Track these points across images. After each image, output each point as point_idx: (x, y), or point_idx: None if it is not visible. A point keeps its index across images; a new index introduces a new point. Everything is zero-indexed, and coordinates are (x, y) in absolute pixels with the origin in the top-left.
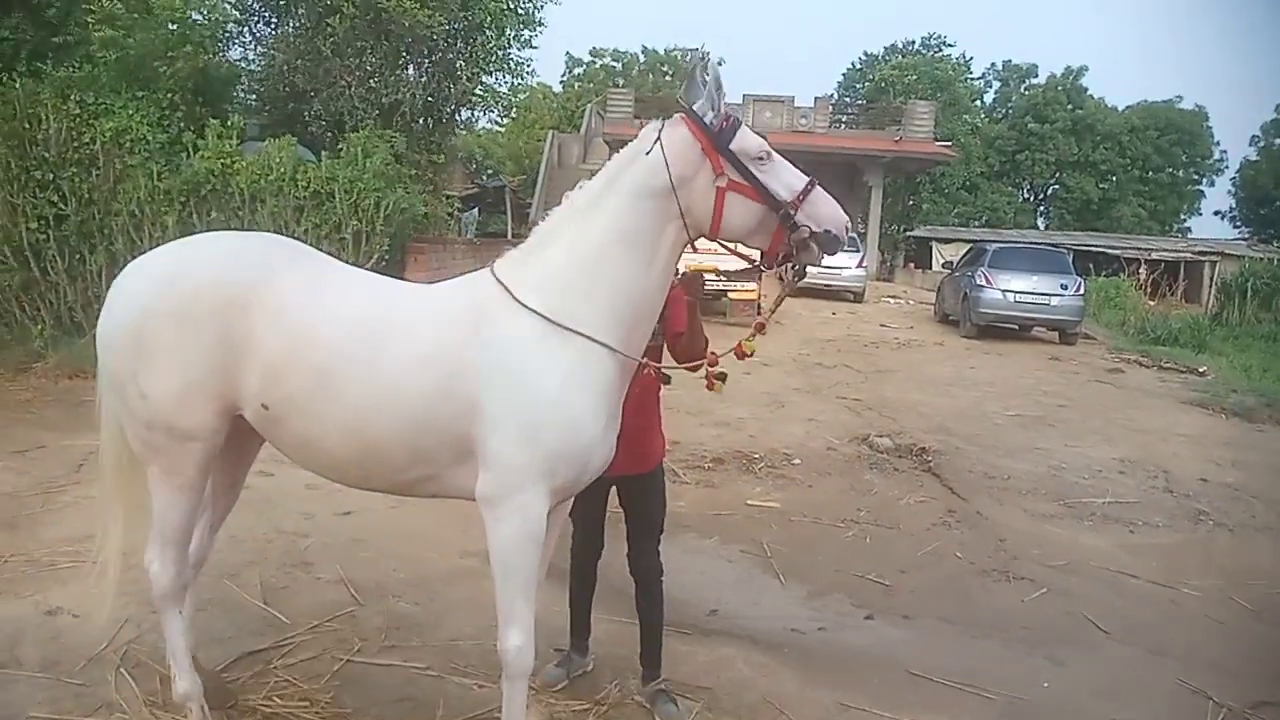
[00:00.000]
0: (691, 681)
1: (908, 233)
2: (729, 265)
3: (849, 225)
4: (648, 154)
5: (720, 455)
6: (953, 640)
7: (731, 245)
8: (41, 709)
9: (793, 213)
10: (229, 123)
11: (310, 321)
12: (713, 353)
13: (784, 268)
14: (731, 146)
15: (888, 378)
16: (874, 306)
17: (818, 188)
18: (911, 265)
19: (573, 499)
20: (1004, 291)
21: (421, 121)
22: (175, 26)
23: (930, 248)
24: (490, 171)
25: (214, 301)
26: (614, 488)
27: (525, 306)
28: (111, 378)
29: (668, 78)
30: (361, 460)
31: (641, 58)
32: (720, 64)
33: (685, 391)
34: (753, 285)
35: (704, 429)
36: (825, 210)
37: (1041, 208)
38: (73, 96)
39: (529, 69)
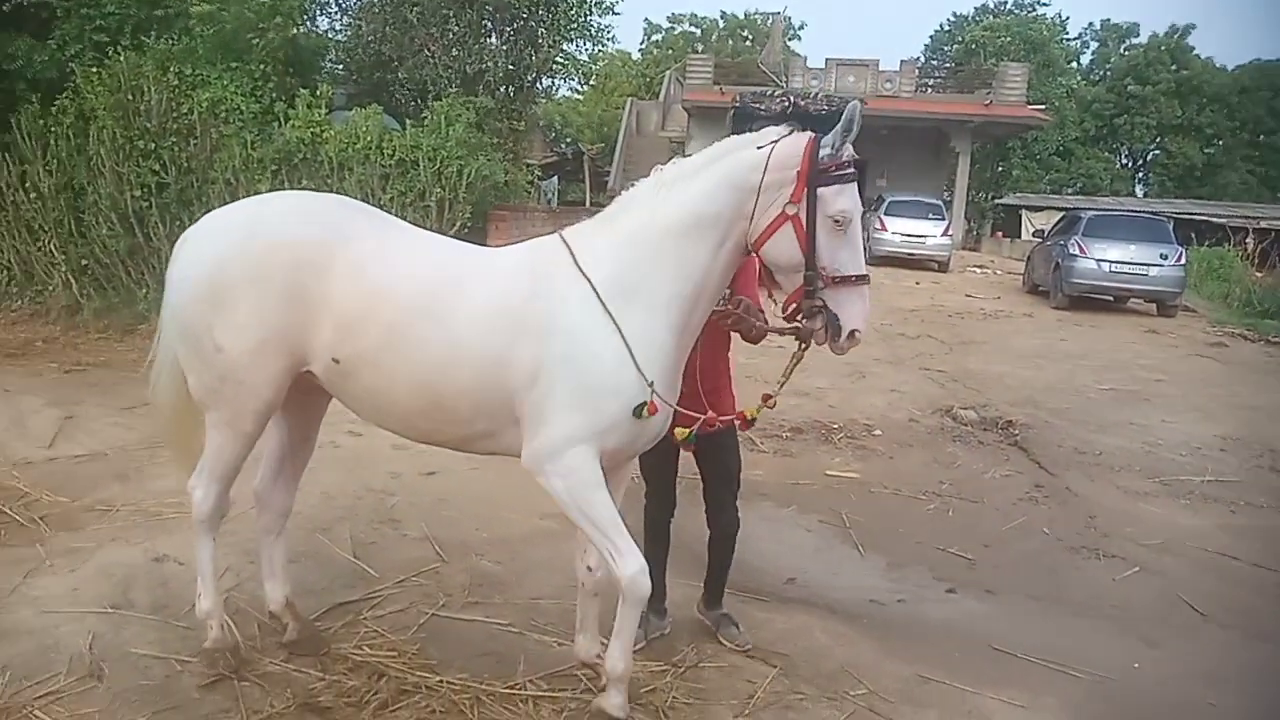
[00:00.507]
0: (768, 647)
1: (996, 200)
2: None
3: (857, 332)
4: (759, 148)
5: (799, 425)
6: (1038, 617)
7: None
8: (151, 648)
9: (818, 284)
10: (318, 92)
11: (384, 280)
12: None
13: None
14: (821, 190)
15: (973, 349)
16: (959, 276)
17: (862, 285)
18: (999, 234)
19: (638, 459)
20: (1099, 261)
21: (503, 89)
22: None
23: (1019, 216)
24: (569, 140)
25: (289, 259)
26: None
27: (585, 275)
28: (185, 328)
29: (748, 42)
30: (429, 414)
31: (721, 23)
32: (802, 27)
33: (764, 359)
34: None
35: (782, 398)
36: (852, 306)
37: (1140, 174)
38: (172, 68)
39: (609, 36)
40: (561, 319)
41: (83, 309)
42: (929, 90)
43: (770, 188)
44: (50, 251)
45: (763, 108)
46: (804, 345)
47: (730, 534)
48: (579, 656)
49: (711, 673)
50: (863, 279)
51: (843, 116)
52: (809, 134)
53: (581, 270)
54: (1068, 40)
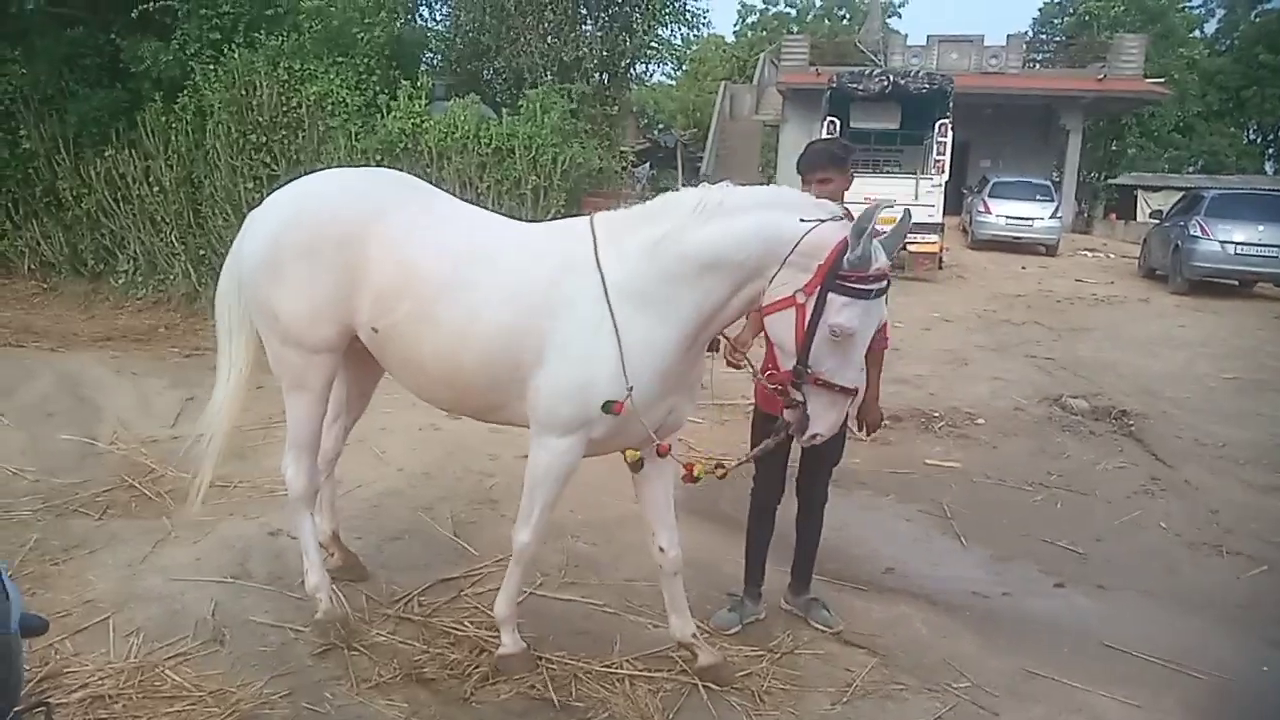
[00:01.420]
0: (866, 637)
1: (1109, 180)
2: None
3: (819, 436)
4: (802, 220)
5: (897, 412)
6: (1155, 614)
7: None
8: (268, 617)
9: (802, 379)
10: (418, 84)
11: (416, 255)
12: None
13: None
14: (831, 295)
15: (1083, 336)
16: (1069, 260)
17: (844, 397)
18: (1113, 216)
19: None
20: (1223, 243)
21: (598, 76)
22: None
23: (1135, 197)
24: (662, 126)
25: (334, 235)
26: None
27: (600, 271)
28: (252, 300)
29: (845, 22)
30: (451, 383)
31: (817, 2)
32: (902, 4)
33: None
34: (935, 237)
35: (881, 386)
36: (825, 413)
37: (1271, 150)
38: (281, 64)
39: (703, 19)
40: (573, 310)
41: (200, 296)
42: (1037, 66)
43: (793, 266)
44: (171, 242)
45: (860, 87)
46: (779, 434)
47: (818, 505)
48: (676, 638)
49: (808, 660)
50: (847, 392)
51: (856, 221)
52: (845, 234)
53: (599, 265)
54: (1190, 8)
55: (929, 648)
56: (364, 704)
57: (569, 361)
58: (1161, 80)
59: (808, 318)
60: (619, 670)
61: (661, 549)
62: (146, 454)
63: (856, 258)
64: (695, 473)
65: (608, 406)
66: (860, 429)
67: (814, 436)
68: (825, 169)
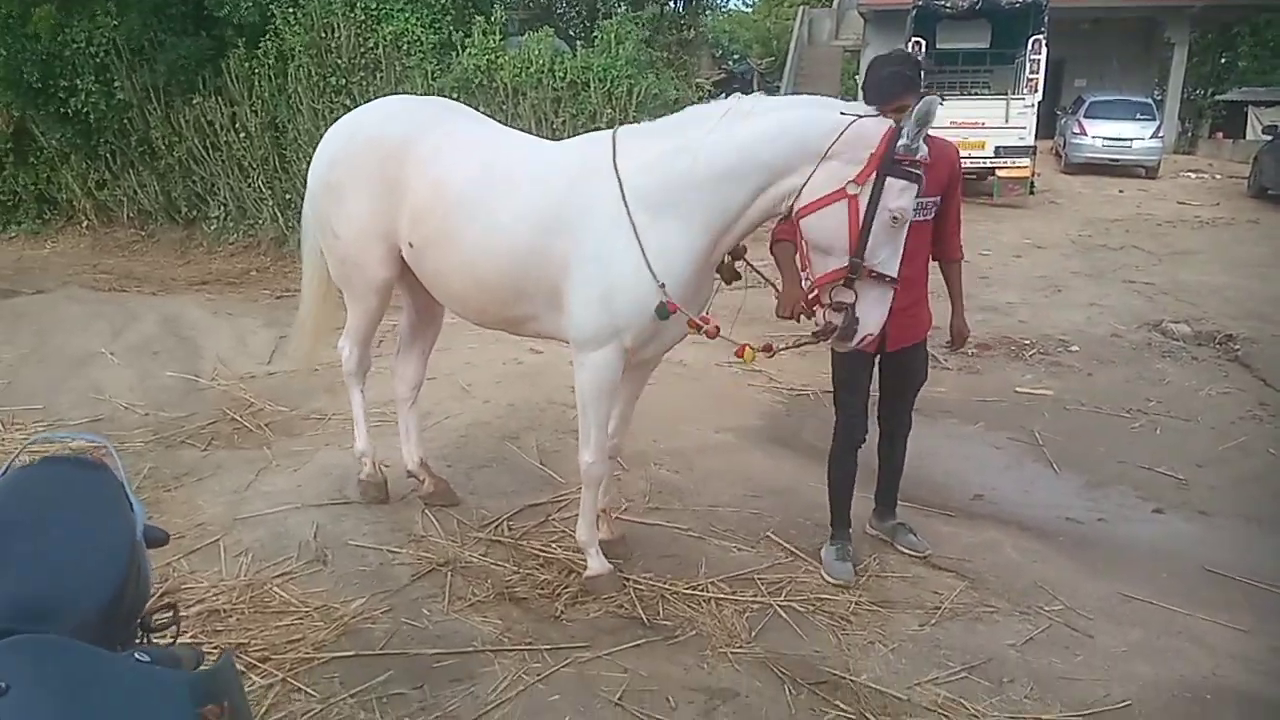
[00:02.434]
0: (955, 561)
1: (1216, 97)
2: (999, 140)
3: (868, 337)
4: (842, 114)
5: (985, 341)
6: (1259, 540)
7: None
8: (366, 540)
9: (858, 273)
10: (492, 19)
11: (444, 172)
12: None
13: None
14: (890, 180)
15: (1186, 260)
16: (1170, 182)
17: (890, 288)
18: (1220, 135)
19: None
20: None
21: (672, 4)
22: None
23: (1245, 113)
24: (737, 55)
25: (379, 153)
26: (877, 358)
27: (619, 179)
28: (318, 218)
29: None
30: (477, 295)
31: None
32: None
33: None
34: (1026, 161)
35: (968, 313)
36: (875, 309)
37: None
38: (358, 5)
39: None
40: (590, 218)
41: (288, 240)
42: None
43: (837, 158)
44: (259, 187)
45: (948, 5)
46: (819, 339)
47: (901, 434)
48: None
49: (895, 583)
50: (894, 283)
51: (916, 111)
52: (890, 123)
53: (618, 173)
54: None
55: (1020, 572)
56: (460, 620)
57: (589, 270)
58: None
59: (863, 208)
60: (705, 592)
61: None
62: (245, 389)
63: (910, 145)
64: (745, 355)
65: (662, 311)
66: (952, 343)
67: (864, 339)
68: (901, 96)
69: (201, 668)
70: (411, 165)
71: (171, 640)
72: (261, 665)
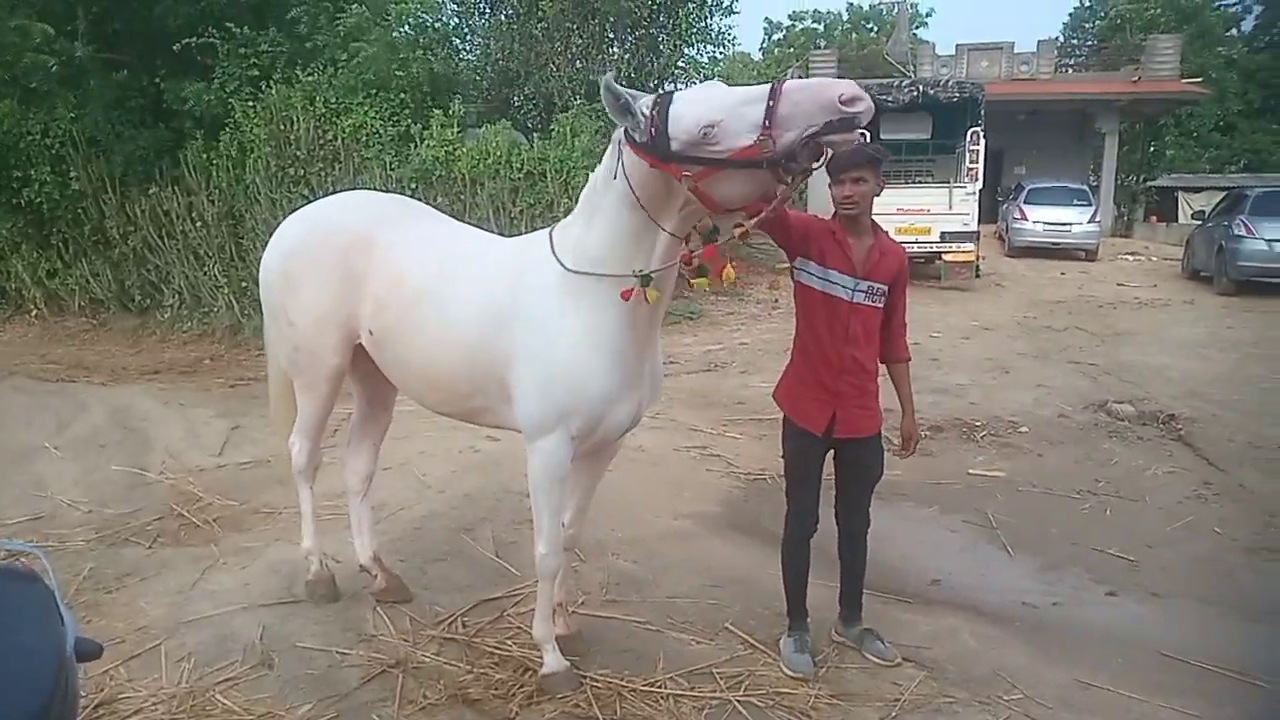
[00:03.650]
0: (914, 650)
1: (1148, 183)
2: (944, 226)
3: (848, 97)
4: (614, 179)
5: (938, 423)
6: (1212, 622)
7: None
8: (315, 640)
9: (774, 145)
10: (450, 112)
11: (404, 266)
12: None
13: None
14: (674, 143)
15: (1127, 340)
16: (1109, 265)
17: (784, 84)
18: (1153, 219)
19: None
20: (1270, 241)
21: None
22: (410, 31)
23: (1175, 198)
24: None
25: (339, 244)
26: (830, 451)
27: (558, 265)
28: (270, 308)
29: (872, 34)
30: (435, 386)
31: (844, 16)
32: (929, 15)
33: None
34: (970, 246)
35: (919, 395)
36: (805, 99)
37: None
38: (318, 98)
39: (730, 38)
40: (528, 309)
41: (244, 328)
42: (1070, 70)
43: (658, 195)
44: (214, 276)
45: (890, 98)
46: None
47: (861, 532)
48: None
49: (855, 674)
50: (774, 86)
51: (616, 104)
52: (624, 141)
53: (558, 260)
54: (1225, 6)
55: (978, 659)
56: None
57: (528, 360)
58: (1199, 80)
59: (709, 168)
60: (663, 688)
61: (563, 524)
62: (194, 483)
63: (641, 130)
64: (695, 264)
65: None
66: (901, 448)
67: (856, 100)
68: (861, 168)
69: None
70: (375, 256)
71: None
72: None
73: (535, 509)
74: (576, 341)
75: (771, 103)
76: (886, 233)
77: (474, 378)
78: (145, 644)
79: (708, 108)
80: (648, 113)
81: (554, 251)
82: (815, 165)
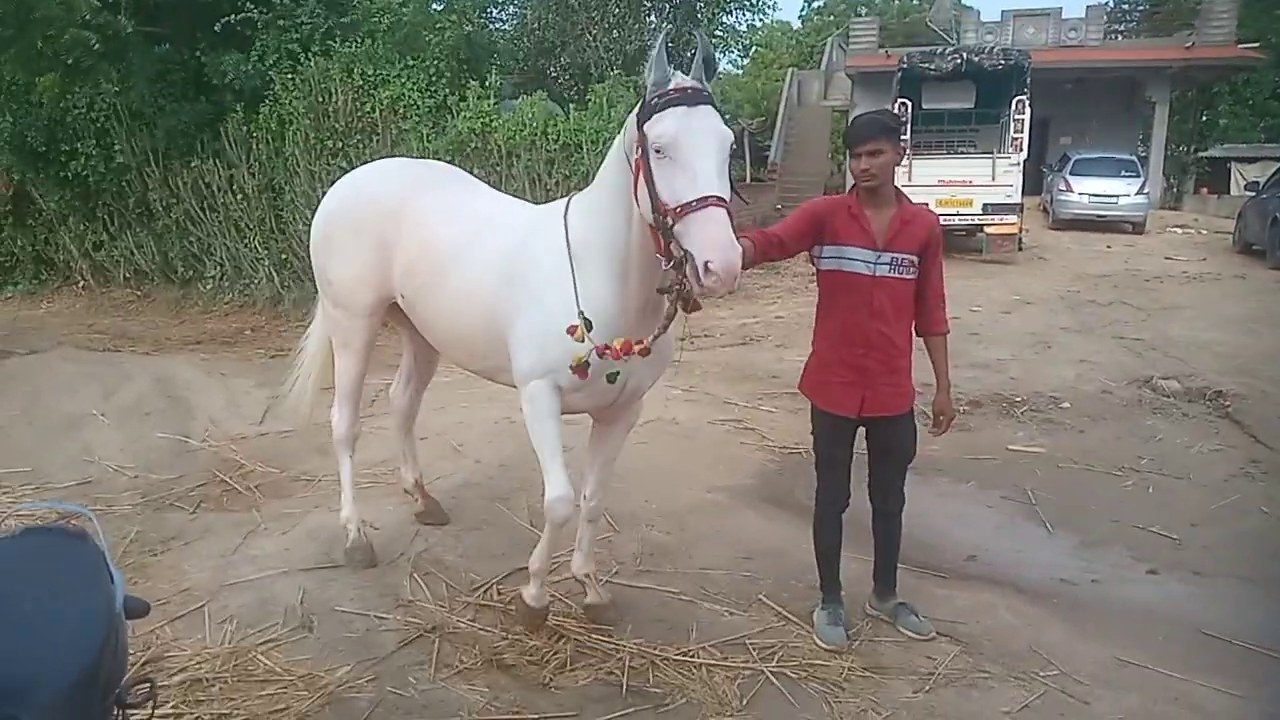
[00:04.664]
0: (949, 625)
1: (1199, 153)
2: (987, 198)
3: (735, 271)
4: (628, 120)
5: (977, 398)
6: (1257, 602)
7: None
8: (353, 605)
9: (668, 221)
10: (486, 84)
11: (432, 232)
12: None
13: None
14: (646, 126)
15: (1175, 315)
16: (1157, 238)
17: (706, 208)
18: (1204, 190)
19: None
20: None
21: None
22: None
23: (1228, 169)
24: (728, 116)
25: (374, 211)
26: (862, 429)
27: (566, 230)
28: (316, 268)
29: (915, 1)
30: (460, 344)
31: None
32: None
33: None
34: (1014, 218)
35: (958, 371)
36: (702, 234)
37: None
38: (356, 70)
39: (769, 5)
40: (532, 270)
41: (283, 300)
42: (1119, 37)
43: (629, 148)
44: (255, 248)
45: (932, 67)
46: (676, 300)
47: (894, 512)
48: (574, 570)
49: (888, 647)
50: (704, 201)
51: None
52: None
53: (566, 226)
54: None
55: (1015, 635)
56: (446, 689)
57: (531, 314)
58: (1256, 45)
59: (642, 167)
60: (695, 658)
61: (585, 496)
62: (236, 450)
63: (651, 82)
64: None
65: (571, 332)
66: (934, 424)
67: (708, 267)
68: (876, 139)
69: None
70: (405, 224)
71: (148, 716)
72: None
73: (538, 452)
74: (570, 308)
75: (697, 204)
76: (912, 201)
77: (490, 339)
78: (189, 605)
79: (693, 142)
80: (664, 80)
81: (565, 218)
82: (678, 296)
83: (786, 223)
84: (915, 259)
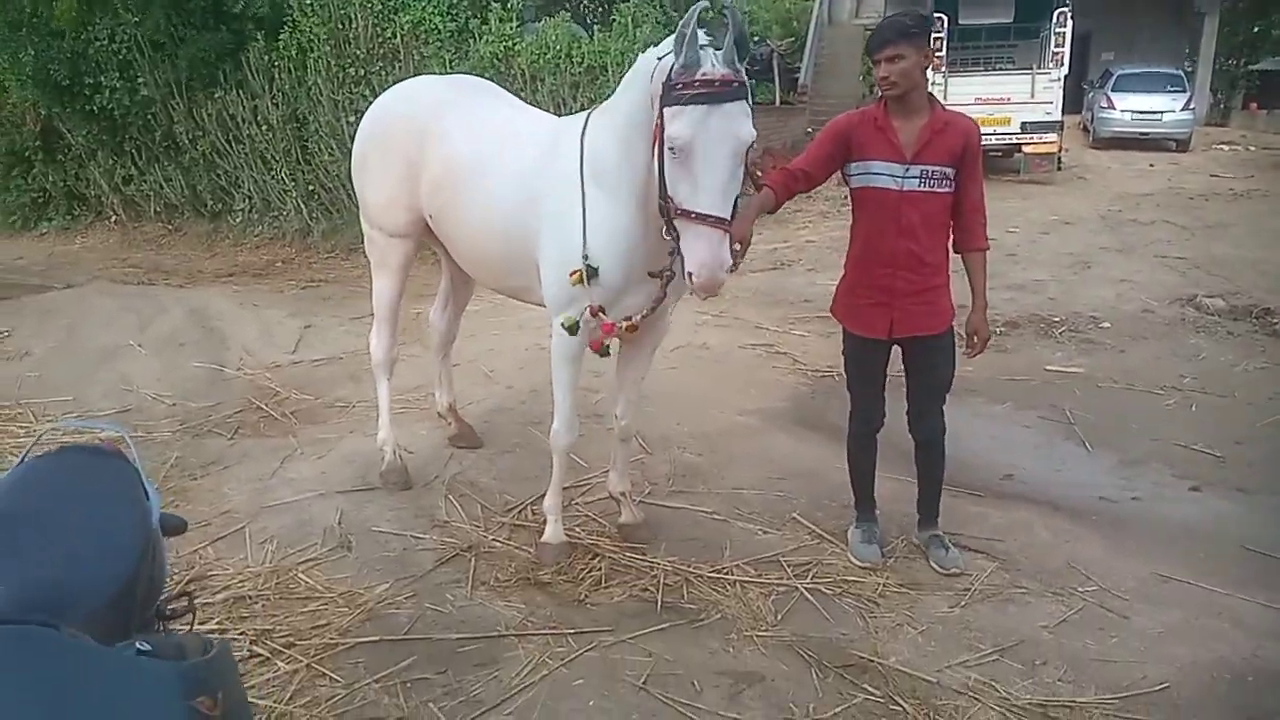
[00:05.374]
0: (985, 542)
1: (1250, 66)
2: (1025, 116)
3: (715, 287)
4: (660, 59)
5: (1014, 319)
6: None
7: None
8: (389, 525)
9: (664, 212)
10: (508, 6)
11: (456, 149)
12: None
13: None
14: (665, 109)
15: (1220, 233)
16: (1202, 155)
17: (703, 224)
18: (1253, 105)
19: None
20: None
21: None
22: None
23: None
24: (757, 38)
25: (403, 130)
26: (896, 349)
27: (583, 150)
28: (356, 191)
29: None
30: (483, 263)
31: None
32: None
33: None
34: (1053, 136)
35: (995, 292)
36: (694, 246)
37: None
38: None
39: None
40: (555, 190)
41: (312, 231)
42: None
43: (657, 100)
44: (282, 179)
45: None
46: (666, 284)
47: (933, 441)
48: (609, 489)
49: (923, 565)
50: (705, 220)
51: (684, 26)
52: (669, 57)
53: (582, 146)
54: None
55: (1052, 552)
56: (483, 605)
57: (551, 238)
58: None
59: (660, 144)
60: (729, 575)
61: (616, 416)
62: (270, 379)
63: (680, 64)
64: (604, 343)
65: (592, 271)
66: (967, 345)
67: (691, 277)
68: (895, 44)
69: (197, 659)
70: (430, 141)
71: (188, 628)
72: (286, 651)
73: (554, 385)
74: (593, 226)
75: (695, 217)
76: (947, 107)
77: (510, 256)
78: (230, 526)
79: (710, 151)
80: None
81: (583, 137)
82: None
83: (810, 150)
84: (949, 171)
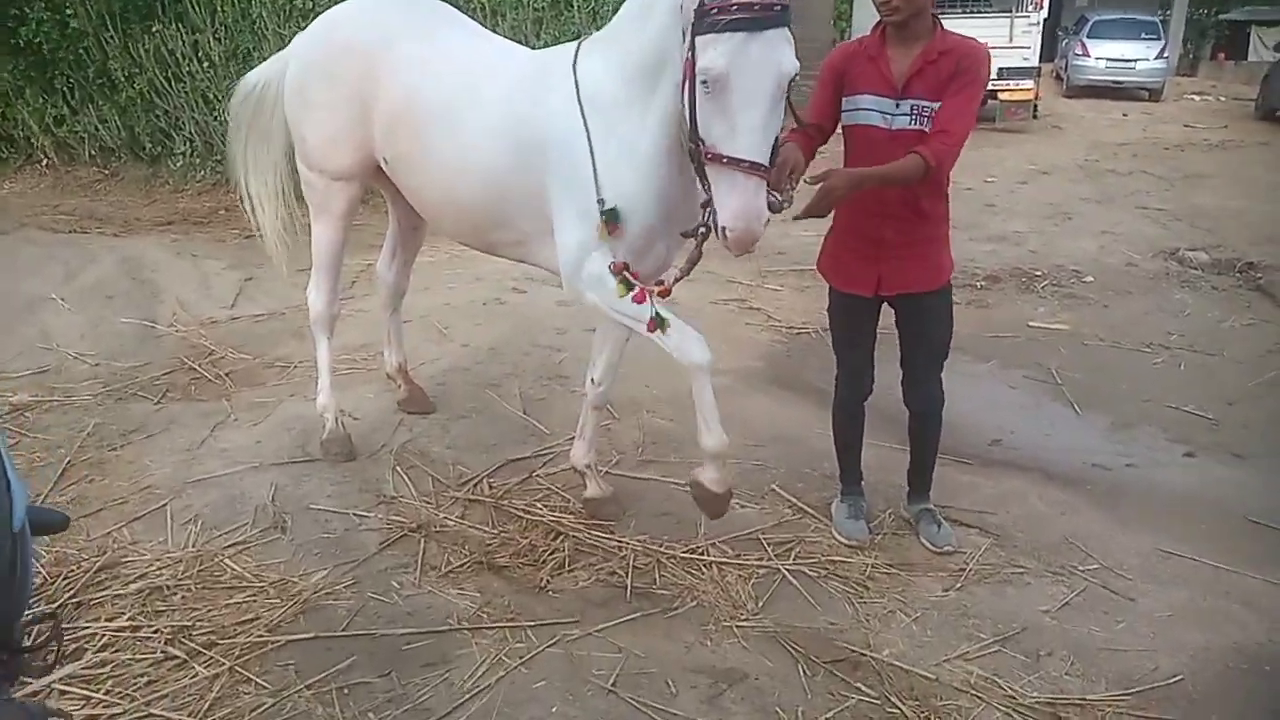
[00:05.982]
0: (977, 515)
1: (1220, 16)
2: (1002, 61)
3: (751, 242)
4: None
5: (995, 273)
6: None
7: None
8: (330, 502)
9: (694, 158)
10: None
11: (415, 84)
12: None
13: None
14: (697, 39)
15: (1199, 184)
16: (1175, 105)
17: (738, 172)
18: (1221, 56)
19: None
20: None
21: None
22: None
23: (1247, 34)
24: None
25: (350, 62)
26: (886, 308)
27: (577, 85)
28: (290, 123)
29: None
30: (454, 216)
31: None
32: None
33: (954, 205)
34: (1030, 83)
35: (975, 244)
36: (727, 197)
37: None
38: None
39: None
40: (556, 129)
41: None
42: None
43: (689, 29)
44: (225, 121)
45: None
46: (702, 242)
47: (929, 412)
48: (573, 461)
49: (913, 541)
50: (739, 164)
51: None
52: None
53: (575, 77)
54: None
55: (1048, 526)
56: (434, 593)
57: (567, 188)
58: None
59: (690, 79)
60: (705, 555)
61: (593, 381)
62: (205, 335)
63: None
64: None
65: (614, 215)
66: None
67: (725, 232)
68: None
69: None
70: (381, 75)
71: (51, 659)
72: (206, 652)
73: (633, 329)
74: (612, 162)
75: (731, 161)
76: (952, 33)
77: (496, 209)
78: (150, 505)
79: (747, 85)
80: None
81: (575, 71)
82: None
83: (813, 100)
84: (937, 106)
